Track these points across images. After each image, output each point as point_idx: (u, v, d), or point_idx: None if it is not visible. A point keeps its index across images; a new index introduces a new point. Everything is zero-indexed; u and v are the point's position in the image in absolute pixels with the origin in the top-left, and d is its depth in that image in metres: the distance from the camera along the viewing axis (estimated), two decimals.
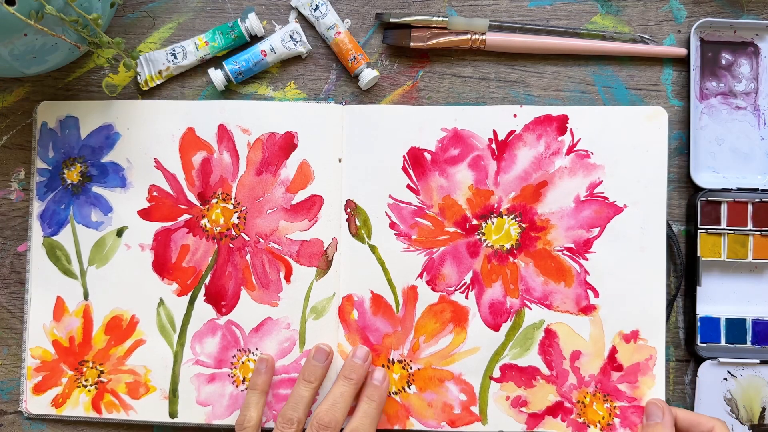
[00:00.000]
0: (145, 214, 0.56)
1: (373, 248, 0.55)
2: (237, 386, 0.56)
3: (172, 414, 0.56)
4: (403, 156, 0.55)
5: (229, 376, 0.56)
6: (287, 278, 0.55)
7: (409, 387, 0.55)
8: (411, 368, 0.55)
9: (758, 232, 0.54)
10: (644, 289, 0.54)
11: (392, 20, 0.55)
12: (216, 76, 0.55)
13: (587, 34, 0.56)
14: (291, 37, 0.56)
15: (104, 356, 0.56)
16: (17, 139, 0.57)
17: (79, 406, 0.56)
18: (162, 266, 0.56)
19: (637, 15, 0.56)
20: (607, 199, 0.54)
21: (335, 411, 0.49)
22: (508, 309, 0.55)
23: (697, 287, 0.54)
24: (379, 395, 0.51)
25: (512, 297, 0.54)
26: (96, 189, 0.57)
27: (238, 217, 0.56)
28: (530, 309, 0.54)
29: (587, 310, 0.54)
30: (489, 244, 0.55)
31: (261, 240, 0.56)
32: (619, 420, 0.54)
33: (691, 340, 0.55)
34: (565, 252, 0.54)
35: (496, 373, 0.55)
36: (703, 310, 0.55)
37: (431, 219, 0.55)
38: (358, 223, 0.55)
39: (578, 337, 0.54)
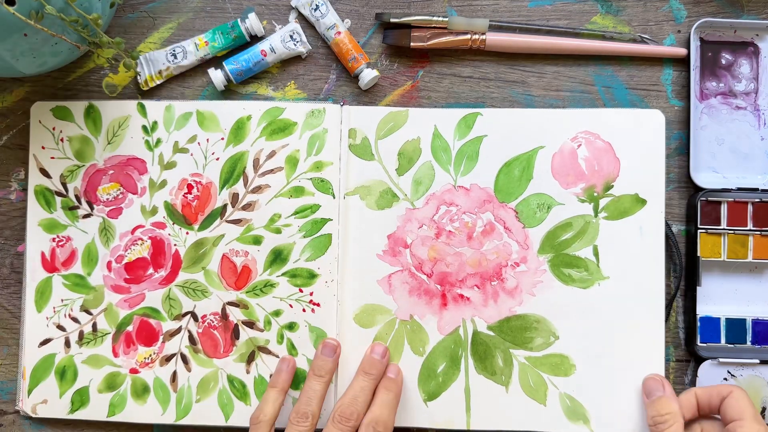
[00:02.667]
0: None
1: None
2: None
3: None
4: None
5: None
6: None
7: None
8: None
9: (758, 232, 0.54)
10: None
11: (392, 20, 0.55)
12: (216, 76, 0.55)
13: (587, 34, 0.56)
14: (291, 37, 0.56)
15: None
16: (17, 139, 0.57)
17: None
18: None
19: (637, 15, 0.56)
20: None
21: (356, 403, 0.50)
22: None
23: (697, 287, 0.54)
24: (396, 387, 0.53)
25: None
26: None
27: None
28: None
29: None
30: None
31: None
32: None
33: (691, 340, 0.55)
34: None
35: None
36: (703, 310, 0.55)
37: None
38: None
39: None
